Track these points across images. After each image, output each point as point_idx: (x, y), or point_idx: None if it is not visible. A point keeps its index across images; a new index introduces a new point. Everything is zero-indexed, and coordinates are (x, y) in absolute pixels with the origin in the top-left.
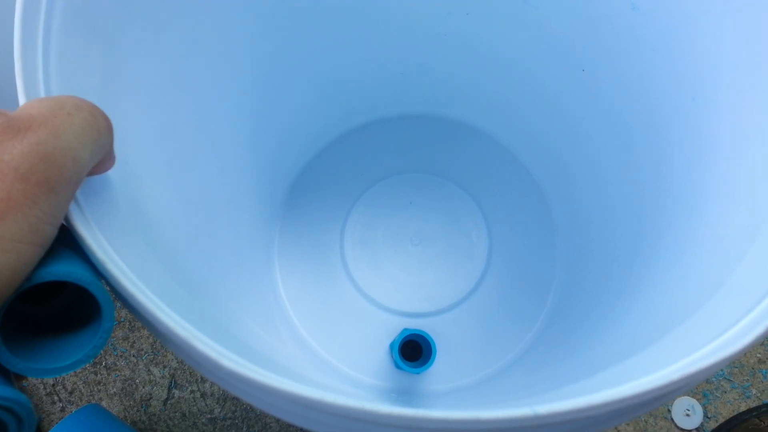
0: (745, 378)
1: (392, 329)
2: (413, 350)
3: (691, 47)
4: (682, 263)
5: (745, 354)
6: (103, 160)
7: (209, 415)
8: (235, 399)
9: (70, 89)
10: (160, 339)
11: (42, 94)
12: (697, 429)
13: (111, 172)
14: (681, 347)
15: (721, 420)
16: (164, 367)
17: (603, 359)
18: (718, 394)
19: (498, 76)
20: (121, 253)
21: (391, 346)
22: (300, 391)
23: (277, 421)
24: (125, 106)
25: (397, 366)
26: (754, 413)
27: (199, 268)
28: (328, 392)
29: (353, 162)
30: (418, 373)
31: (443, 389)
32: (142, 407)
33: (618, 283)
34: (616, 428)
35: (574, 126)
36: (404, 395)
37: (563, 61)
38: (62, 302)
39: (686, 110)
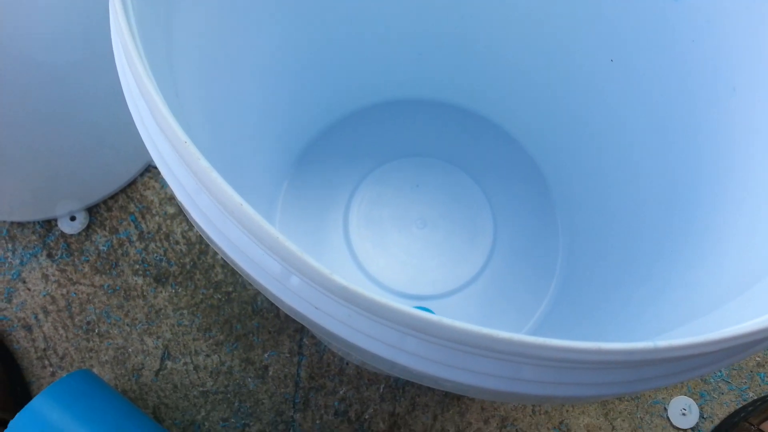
0: (743, 381)
1: None
2: None
3: (732, 39)
4: (714, 256)
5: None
6: None
7: (201, 388)
8: (228, 373)
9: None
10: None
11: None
12: (692, 429)
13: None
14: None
15: (717, 421)
16: (158, 337)
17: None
18: (715, 395)
19: (517, 67)
20: None
21: None
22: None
23: (270, 397)
24: (179, 55)
25: None
26: (742, 414)
27: None
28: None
29: (363, 140)
30: None
31: None
32: (133, 376)
33: (619, 272)
34: (611, 424)
35: (592, 118)
36: None
37: (591, 52)
38: None
39: (725, 101)
